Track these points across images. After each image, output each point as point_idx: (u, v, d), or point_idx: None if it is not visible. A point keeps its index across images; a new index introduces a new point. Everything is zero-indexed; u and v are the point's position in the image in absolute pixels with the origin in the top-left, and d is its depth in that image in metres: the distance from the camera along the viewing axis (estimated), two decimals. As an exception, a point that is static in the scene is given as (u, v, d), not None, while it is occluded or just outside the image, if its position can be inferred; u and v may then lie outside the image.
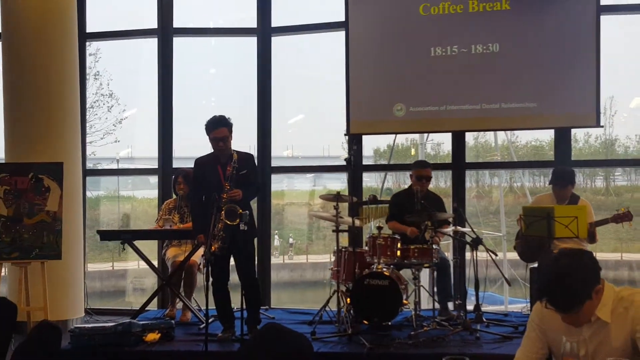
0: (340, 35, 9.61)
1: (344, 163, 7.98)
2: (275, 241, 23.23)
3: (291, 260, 24.15)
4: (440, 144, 18.80)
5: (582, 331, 3.54)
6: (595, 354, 3.53)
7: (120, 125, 17.67)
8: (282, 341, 3.05)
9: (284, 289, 21.12)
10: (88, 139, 10.67)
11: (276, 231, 24.30)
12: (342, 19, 9.56)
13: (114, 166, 17.28)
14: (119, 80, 17.94)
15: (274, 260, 10.32)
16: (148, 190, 22.12)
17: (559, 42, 8.89)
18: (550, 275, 3.47)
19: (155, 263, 9.37)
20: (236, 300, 7.49)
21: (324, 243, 23.80)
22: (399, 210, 8.39)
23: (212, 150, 7.52)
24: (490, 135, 21.76)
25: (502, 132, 19.83)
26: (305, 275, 23.58)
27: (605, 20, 8.89)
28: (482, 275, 7.70)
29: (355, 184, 9.29)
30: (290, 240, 24.39)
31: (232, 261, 7.59)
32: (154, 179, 10.51)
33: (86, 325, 7.61)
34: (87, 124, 10.80)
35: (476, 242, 7.51)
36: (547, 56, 8.92)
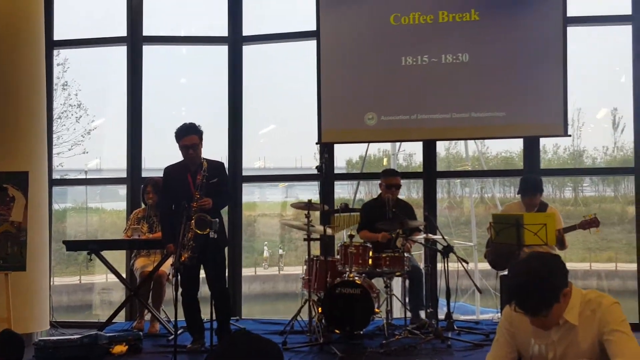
0: (312, 44, 9.61)
1: (316, 172, 7.95)
2: (265, 252, 23.22)
3: (266, 270, 24.08)
4: (412, 154, 18.89)
5: (551, 334, 3.57)
6: (563, 356, 3.56)
7: (88, 136, 17.56)
8: (251, 348, 3.00)
9: (255, 301, 21.03)
10: (56, 150, 10.57)
11: (265, 242, 24.33)
12: (314, 28, 9.55)
13: (75, 185, 17.15)
14: (87, 90, 17.85)
15: (245, 271, 10.23)
16: (116, 202, 21.99)
17: (527, 53, 8.97)
18: (518, 278, 3.50)
19: (124, 274, 9.20)
20: (206, 311, 7.43)
21: (296, 254, 23.78)
22: (370, 219, 8.38)
23: (182, 159, 7.45)
24: (461, 146, 21.91)
25: (473, 143, 19.97)
26: (278, 287, 23.52)
27: (572, 32, 9.00)
28: (453, 285, 7.71)
29: (327, 192, 9.28)
30: (265, 252, 24.37)
31: (202, 272, 7.51)
32: (122, 191, 10.40)
33: (51, 338, 7.50)
34: (55, 135, 10.71)
35: (447, 250, 7.54)
36: (515, 66, 9.00)
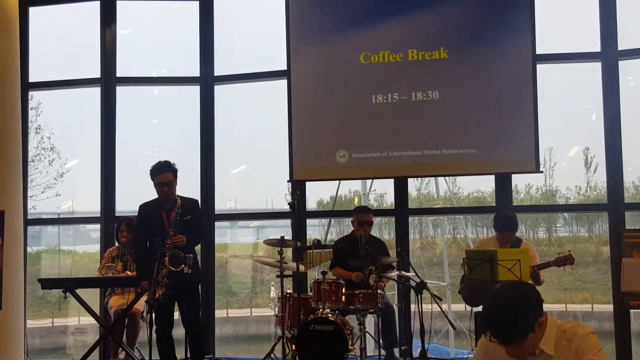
0: (283, 83, 9.68)
1: (288, 210, 7.97)
2: (272, 292, 23.07)
3: (237, 312, 23.93)
4: (383, 194, 18.99)
5: (527, 363, 3.57)
6: (540, 386, 3.56)
7: (61, 178, 17.54)
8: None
9: (227, 343, 20.91)
10: (29, 193, 10.50)
11: (272, 283, 24.27)
12: (285, 67, 9.64)
13: (50, 224, 17.07)
14: (60, 133, 17.82)
15: (217, 313, 10.20)
16: (89, 244, 21.92)
17: (497, 90, 9.06)
18: (493, 307, 3.50)
19: (98, 313, 9.16)
20: (180, 349, 7.40)
21: (267, 296, 23.71)
22: (343, 256, 8.39)
23: (156, 197, 7.48)
24: (432, 186, 22.06)
25: (444, 184, 20.12)
26: (249, 329, 23.40)
27: (542, 69, 9.10)
28: (427, 325, 7.67)
29: (299, 230, 9.30)
30: (272, 293, 24.32)
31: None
32: (94, 233, 10.41)
33: (26, 377, 7.45)
34: (29, 178, 10.65)
35: (421, 287, 7.52)
36: (486, 103, 9.08)
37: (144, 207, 7.60)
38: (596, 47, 9.26)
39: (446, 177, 19.10)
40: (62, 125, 16.67)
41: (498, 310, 3.46)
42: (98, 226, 10.19)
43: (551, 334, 3.55)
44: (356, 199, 19.74)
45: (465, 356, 8.93)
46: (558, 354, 3.53)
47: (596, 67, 9.27)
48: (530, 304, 3.50)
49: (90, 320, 8.66)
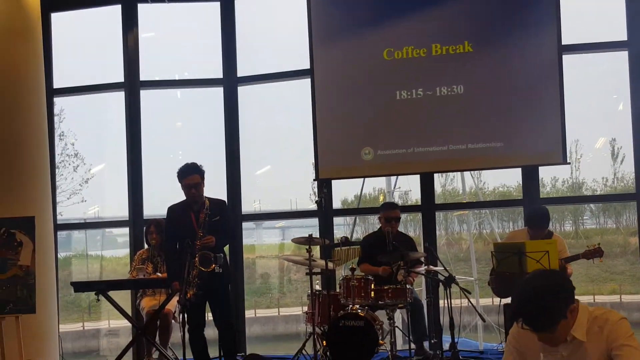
0: (306, 82, 9.72)
1: (313, 209, 7.99)
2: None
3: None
4: (408, 191, 18.96)
5: (560, 350, 3.57)
6: (572, 373, 3.57)
7: (86, 184, 17.68)
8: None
9: (255, 343, 20.98)
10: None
11: (317, 281, 24.39)
12: (308, 66, 9.67)
13: (79, 229, 17.19)
14: (84, 138, 17.94)
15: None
16: (115, 249, 22.06)
17: (522, 82, 9.02)
18: (525, 294, 3.51)
19: (130, 315, 9.24)
20: (213, 348, 7.46)
21: (294, 295, 23.75)
22: (370, 252, 8.43)
23: (184, 198, 7.53)
24: (457, 182, 22.00)
25: (470, 179, 20.03)
26: (277, 328, 23.43)
27: (567, 59, 9.04)
28: (455, 319, 7.68)
29: (326, 227, 9.34)
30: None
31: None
32: (121, 238, 10.49)
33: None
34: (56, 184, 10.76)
35: (449, 281, 7.53)
36: (511, 96, 9.04)
37: (173, 209, 7.66)
38: (623, 36, 9.17)
39: (472, 173, 19.05)
40: (86, 131, 16.79)
41: (530, 298, 3.46)
42: (125, 231, 10.28)
43: (583, 320, 3.55)
44: (381, 197, 19.72)
45: (495, 349, 8.91)
46: (590, 340, 3.53)
47: (623, 57, 9.18)
48: (562, 291, 3.50)
49: (122, 322, 8.74)
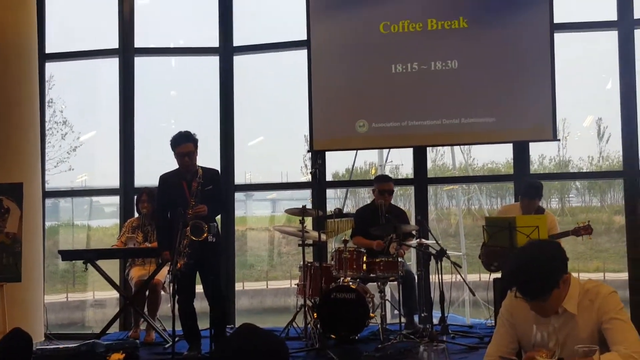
0: (303, 54, 9.68)
1: (306, 181, 7.99)
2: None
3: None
4: (399, 166, 18.92)
5: (552, 321, 3.58)
6: (563, 345, 3.57)
7: (74, 152, 17.54)
8: (257, 340, 3.02)
9: (244, 316, 21.00)
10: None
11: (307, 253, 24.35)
12: (304, 37, 9.63)
13: (67, 197, 17.06)
14: (73, 106, 17.82)
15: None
16: (102, 219, 21.98)
17: (515, 59, 9.06)
18: (519, 261, 3.54)
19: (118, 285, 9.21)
20: (202, 319, 7.45)
21: (284, 269, 23.76)
22: (364, 225, 8.43)
23: (177, 167, 7.48)
24: (447, 157, 21.99)
25: (460, 154, 20.04)
26: (266, 301, 23.45)
27: (558, 38, 9.06)
28: (445, 294, 7.72)
29: (320, 199, 9.35)
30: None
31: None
32: (108, 208, 10.46)
33: (48, 347, 7.50)
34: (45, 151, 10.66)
35: (440, 254, 7.56)
36: (504, 72, 9.08)
37: (165, 178, 7.59)
38: (613, 15, 9.23)
39: (462, 148, 19.10)
40: (76, 98, 16.69)
41: (524, 265, 3.48)
42: (112, 201, 10.20)
43: (574, 293, 3.57)
44: (372, 171, 19.70)
45: (485, 321, 8.98)
46: (581, 313, 3.55)
47: (612, 36, 9.25)
48: (556, 259, 3.52)
49: (107, 294, 8.72)
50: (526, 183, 8.17)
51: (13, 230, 7.91)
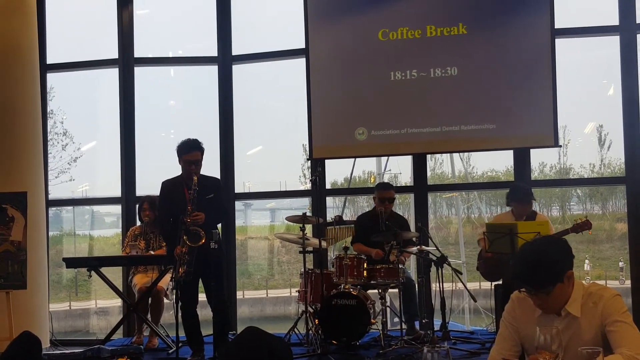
0: (301, 62, 9.70)
1: (305, 189, 8.02)
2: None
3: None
4: (398, 174, 18.94)
5: (555, 323, 3.59)
6: (566, 348, 3.58)
7: (75, 163, 17.58)
8: (262, 342, 3.06)
9: (244, 324, 20.96)
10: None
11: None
12: (303, 46, 9.65)
13: (69, 207, 17.12)
14: (73, 117, 17.85)
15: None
16: (104, 229, 22.01)
17: (515, 65, 9.06)
18: (525, 253, 3.58)
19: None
20: (205, 325, 7.48)
21: (284, 277, 23.77)
22: (364, 232, 8.45)
23: (178, 174, 7.48)
24: (446, 166, 21.98)
25: (459, 163, 20.04)
26: (266, 310, 23.44)
27: (559, 43, 9.06)
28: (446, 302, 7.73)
29: (319, 206, 9.37)
30: None
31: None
32: (109, 218, 10.51)
33: (54, 352, 7.54)
34: (48, 160, 10.71)
35: (441, 260, 7.57)
36: (504, 78, 9.08)
37: (166, 184, 7.59)
38: (614, 20, 9.21)
39: (461, 156, 19.08)
40: (76, 109, 16.70)
41: (530, 256, 3.52)
42: (113, 210, 10.27)
43: (578, 296, 3.58)
44: (371, 179, 19.71)
45: (486, 327, 9.00)
46: (584, 315, 3.56)
47: (613, 42, 9.22)
48: (562, 253, 3.54)
49: (110, 302, 8.75)
50: (515, 189, 8.09)
51: (18, 238, 7.99)
